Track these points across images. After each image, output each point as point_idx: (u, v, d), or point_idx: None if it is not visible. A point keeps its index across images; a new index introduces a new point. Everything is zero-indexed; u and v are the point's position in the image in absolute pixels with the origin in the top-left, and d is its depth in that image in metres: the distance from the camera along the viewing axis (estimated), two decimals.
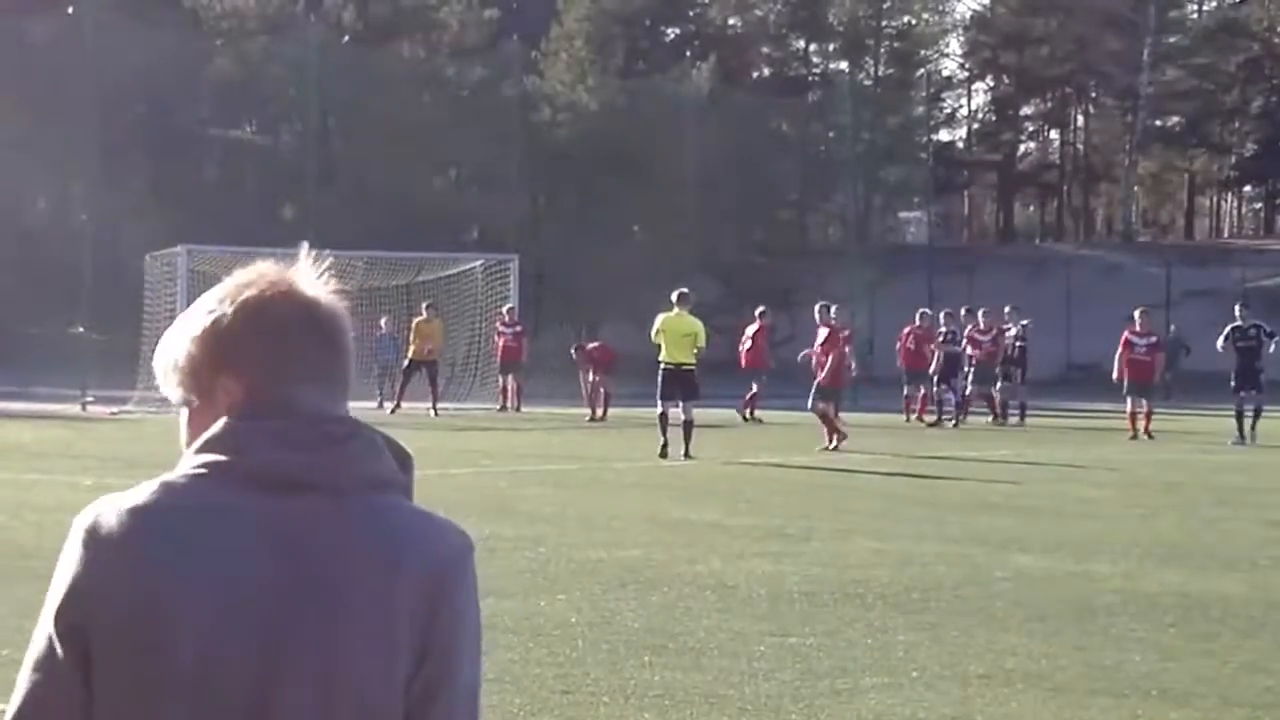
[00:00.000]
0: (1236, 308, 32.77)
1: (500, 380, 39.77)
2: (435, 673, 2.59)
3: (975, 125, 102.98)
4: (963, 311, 39.32)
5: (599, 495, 19.59)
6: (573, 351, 39.06)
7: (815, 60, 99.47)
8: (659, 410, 25.08)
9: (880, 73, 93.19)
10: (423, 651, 2.57)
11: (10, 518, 15.80)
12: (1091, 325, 60.31)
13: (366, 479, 2.67)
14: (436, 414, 36.87)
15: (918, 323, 37.80)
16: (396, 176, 64.16)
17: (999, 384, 37.26)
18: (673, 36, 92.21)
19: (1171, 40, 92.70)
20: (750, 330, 38.38)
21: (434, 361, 38.24)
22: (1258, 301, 65.97)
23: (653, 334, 25.82)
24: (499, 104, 63.48)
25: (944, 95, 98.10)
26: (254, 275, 2.84)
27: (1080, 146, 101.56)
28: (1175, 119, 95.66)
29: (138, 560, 2.64)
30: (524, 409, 38.49)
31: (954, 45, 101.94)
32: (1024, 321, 38.57)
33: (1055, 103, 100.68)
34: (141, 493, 2.73)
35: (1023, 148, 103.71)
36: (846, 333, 36.38)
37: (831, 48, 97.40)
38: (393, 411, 37.04)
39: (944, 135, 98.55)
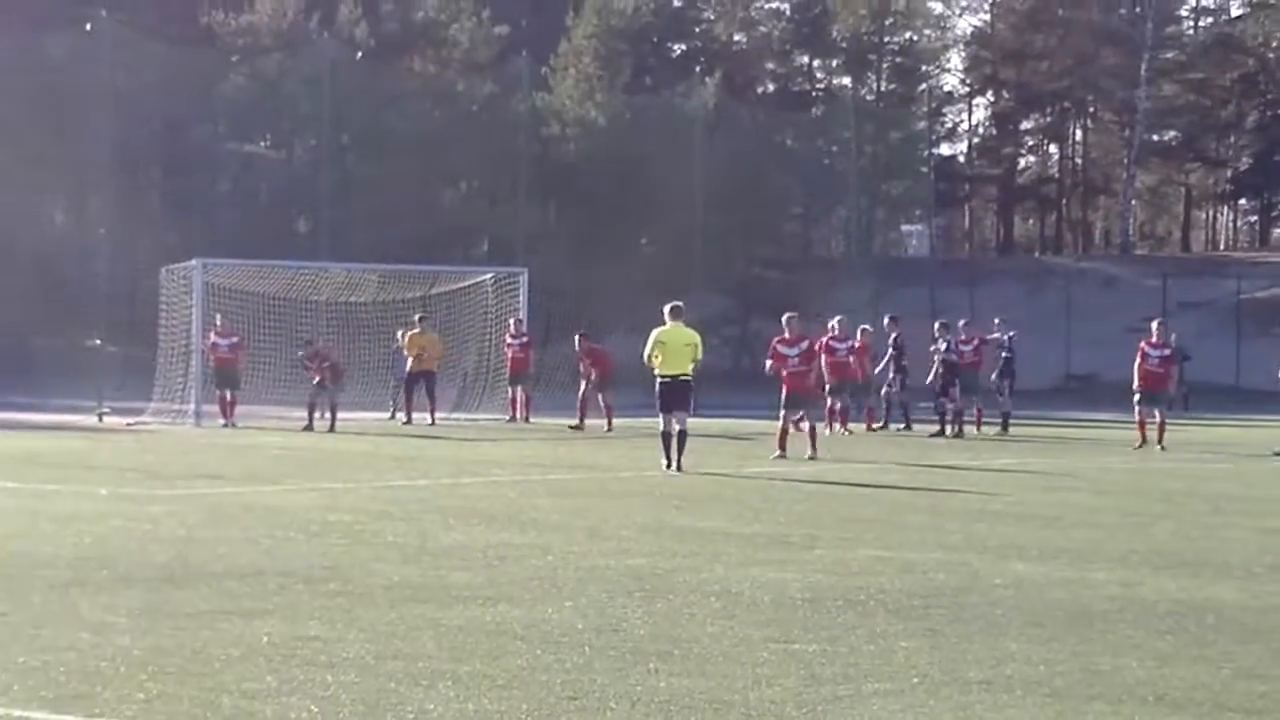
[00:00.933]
0: None
1: (509, 392, 40.08)
2: None
3: (976, 140, 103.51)
4: (961, 324, 39.09)
5: (606, 504, 19.61)
6: (576, 340, 38.88)
7: (819, 76, 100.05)
8: (663, 427, 24.83)
9: (883, 88, 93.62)
10: None
11: (28, 527, 16.00)
12: (1090, 336, 61.31)
13: None
14: (434, 423, 37.39)
15: (835, 331, 37.13)
16: (408, 190, 64.44)
17: (979, 394, 37.50)
18: (679, 53, 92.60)
19: (1168, 56, 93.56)
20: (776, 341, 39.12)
21: (432, 372, 38.60)
22: (1252, 313, 67.49)
23: (649, 350, 25.27)
24: (509, 119, 63.90)
25: (945, 110, 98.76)
26: None
27: (1079, 160, 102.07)
28: (1172, 133, 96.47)
29: None
30: (533, 420, 38.58)
31: (955, 61, 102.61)
32: (1010, 332, 38.85)
33: (1054, 117, 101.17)
34: None
35: (1022, 162, 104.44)
36: (855, 343, 37.59)
37: (835, 63, 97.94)
38: (405, 423, 37.56)
39: (945, 149, 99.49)
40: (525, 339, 40.04)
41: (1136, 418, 32.65)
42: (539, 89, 66.75)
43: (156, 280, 41.20)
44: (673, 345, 25.18)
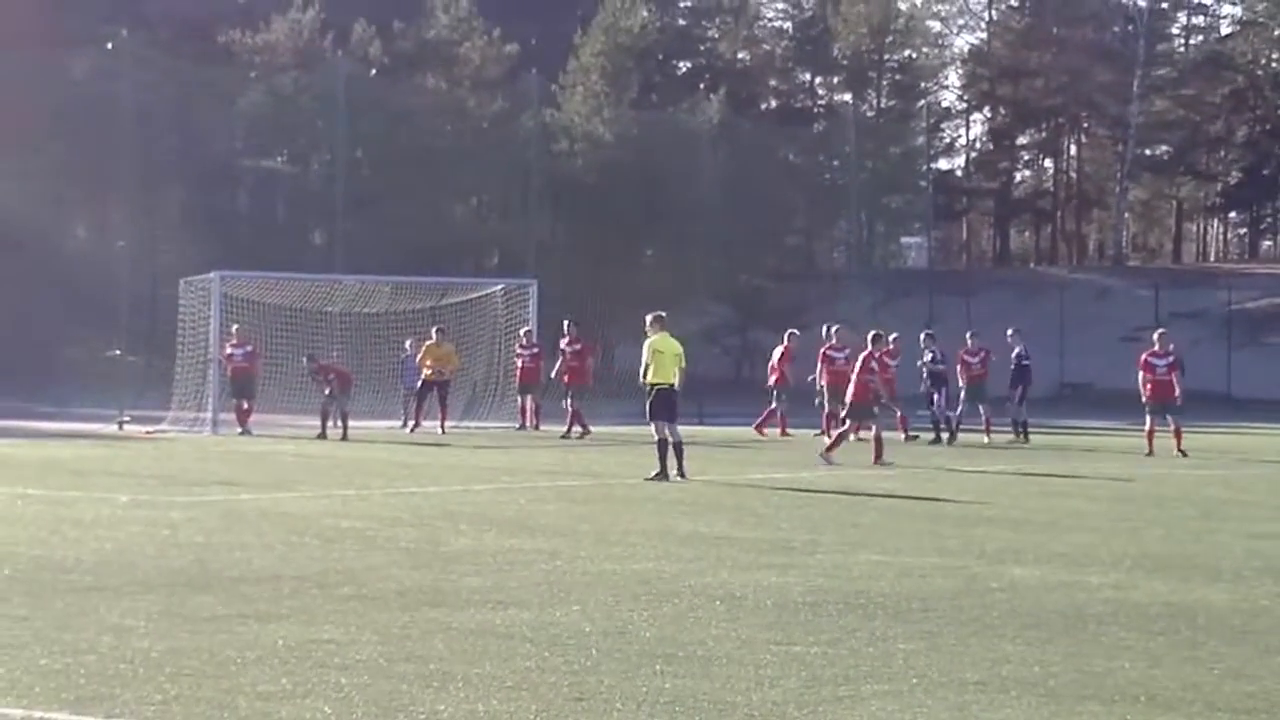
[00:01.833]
0: None
1: (519, 400, 40.21)
2: None
3: (973, 154, 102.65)
4: (969, 335, 39.30)
5: (612, 510, 19.57)
6: (563, 347, 38.78)
7: (820, 92, 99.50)
8: (657, 436, 24.58)
9: (882, 104, 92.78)
10: None
11: (50, 533, 15.92)
12: (1083, 346, 61.45)
13: None
14: (444, 432, 37.43)
15: (786, 343, 38.66)
16: (421, 204, 64.63)
17: (987, 403, 37.49)
18: (684, 70, 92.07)
19: (1160, 73, 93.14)
20: (776, 352, 39.23)
21: (446, 382, 38.66)
22: (1242, 323, 67.80)
23: (648, 358, 25.01)
24: (518, 135, 63.81)
25: (943, 126, 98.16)
26: None
27: (1073, 174, 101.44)
28: (1164, 148, 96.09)
29: None
30: (542, 428, 38.47)
31: (953, 78, 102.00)
32: (1017, 347, 38.53)
33: (1049, 133, 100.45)
34: None
35: (1018, 176, 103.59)
36: (848, 351, 38.15)
37: (836, 80, 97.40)
38: (411, 430, 37.82)
39: (943, 164, 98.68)
40: (536, 349, 39.94)
41: (1147, 428, 32.61)
42: (548, 105, 66.34)
43: (176, 292, 41.16)
44: (666, 355, 25.03)
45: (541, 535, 16.53)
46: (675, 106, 73.03)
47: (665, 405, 24.83)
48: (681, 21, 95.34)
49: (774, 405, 38.36)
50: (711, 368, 39.89)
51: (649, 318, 25.75)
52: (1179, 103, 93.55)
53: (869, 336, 30.75)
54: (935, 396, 36.69)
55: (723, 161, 64.63)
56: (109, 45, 50.74)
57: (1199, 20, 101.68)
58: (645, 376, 25.02)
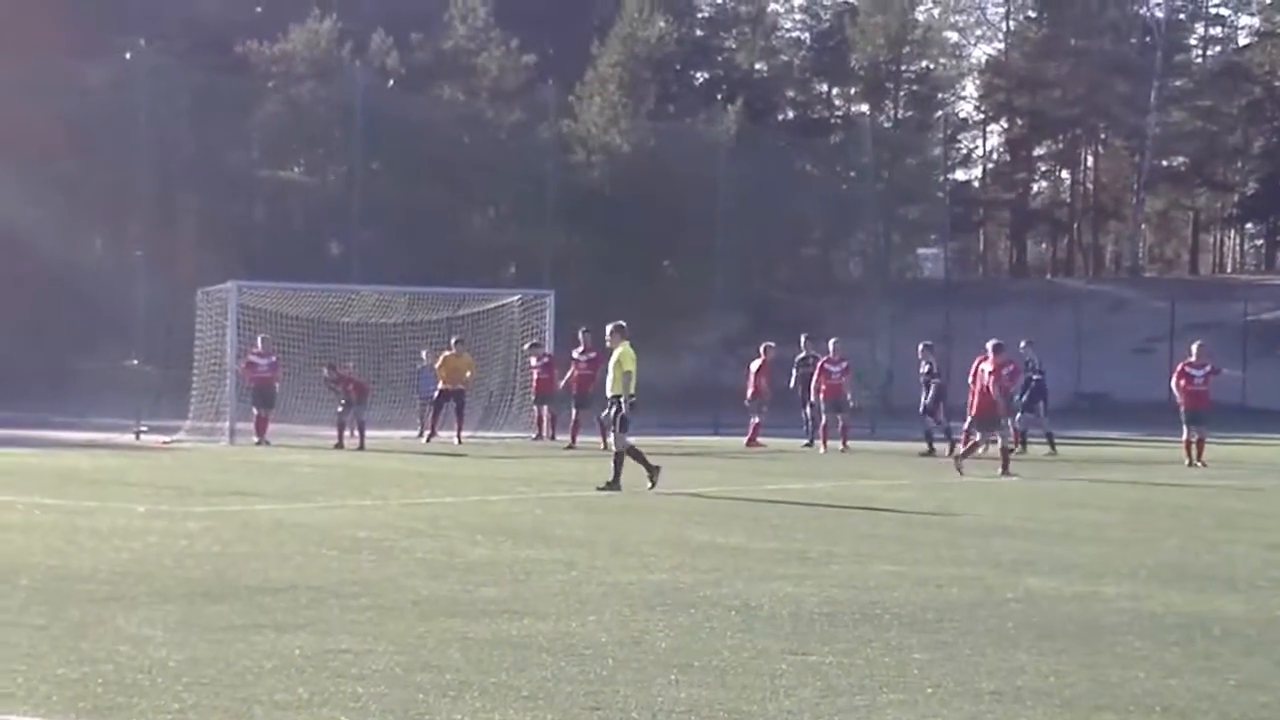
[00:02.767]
0: None
1: (535, 411, 40.48)
2: None
3: (990, 165, 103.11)
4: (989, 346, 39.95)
5: (629, 521, 19.52)
6: (575, 356, 38.59)
7: (838, 103, 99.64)
8: (629, 446, 24.56)
9: (900, 115, 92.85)
10: None
11: (67, 543, 15.90)
12: (1100, 357, 61.56)
13: None
14: (461, 442, 37.51)
15: (763, 356, 39.00)
16: (438, 215, 64.90)
17: (1018, 416, 37.11)
18: (701, 80, 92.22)
19: (1177, 84, 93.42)
20: (754, 364, 39.33)
21: (462, 392, 38.75)
22: (1258, 334, 67.71)
23: (631, 366, 24.71)
24: (535, 145, 63.84)
25: (960, 137, 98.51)
26: None
27: (1090, 185, 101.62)
28: (1180, 159, 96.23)
29: None
30: (559, 438, 38.51)
31: (970, 89, 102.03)
32: (1029, 357, 38.68)
33: (1066, 144, 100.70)
34: None
35: (1035, 187, 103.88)
36: (845, 364, 38.42)
37: (853, 91, 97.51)
38: (427, 440, 37.93)
39: (960, 175, 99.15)
40: (547, 360, 40.03)
41: (1184, 438, 32.76)
42: (565, 116, 66.57)
43: (193, 302, 41.18)
44: (636, 365, 24.85)
45: (558, 546, 16.53)
46: (692, 117, 73.38)
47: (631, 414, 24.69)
48: (699, 32, 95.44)
49: (755, 418, 38.46)
50: (727, 379, 39.88)
51: (610, 327, 25.62)
52: (1196, 114, 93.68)
53: (990, 346, 31.05)
54: (934, 412, 36.76)
55: (740, 172, 64.54)
56: (126, 56, 50.72)
57: (1216, 31, 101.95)
58: (629, 387, 24.70)
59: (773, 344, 39.82)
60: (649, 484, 24.10)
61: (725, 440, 38.13)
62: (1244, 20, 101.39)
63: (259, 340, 38.47)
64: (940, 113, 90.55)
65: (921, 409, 36.71)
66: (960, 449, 30.78)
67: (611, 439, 22.99)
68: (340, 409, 36.40)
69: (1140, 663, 10.45)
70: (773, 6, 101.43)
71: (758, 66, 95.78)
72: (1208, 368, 33.59)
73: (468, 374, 39.12)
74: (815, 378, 37.67)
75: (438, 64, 72.60)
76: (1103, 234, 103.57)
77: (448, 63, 72.78)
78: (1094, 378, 61.14)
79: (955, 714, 8.96)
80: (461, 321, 43.49)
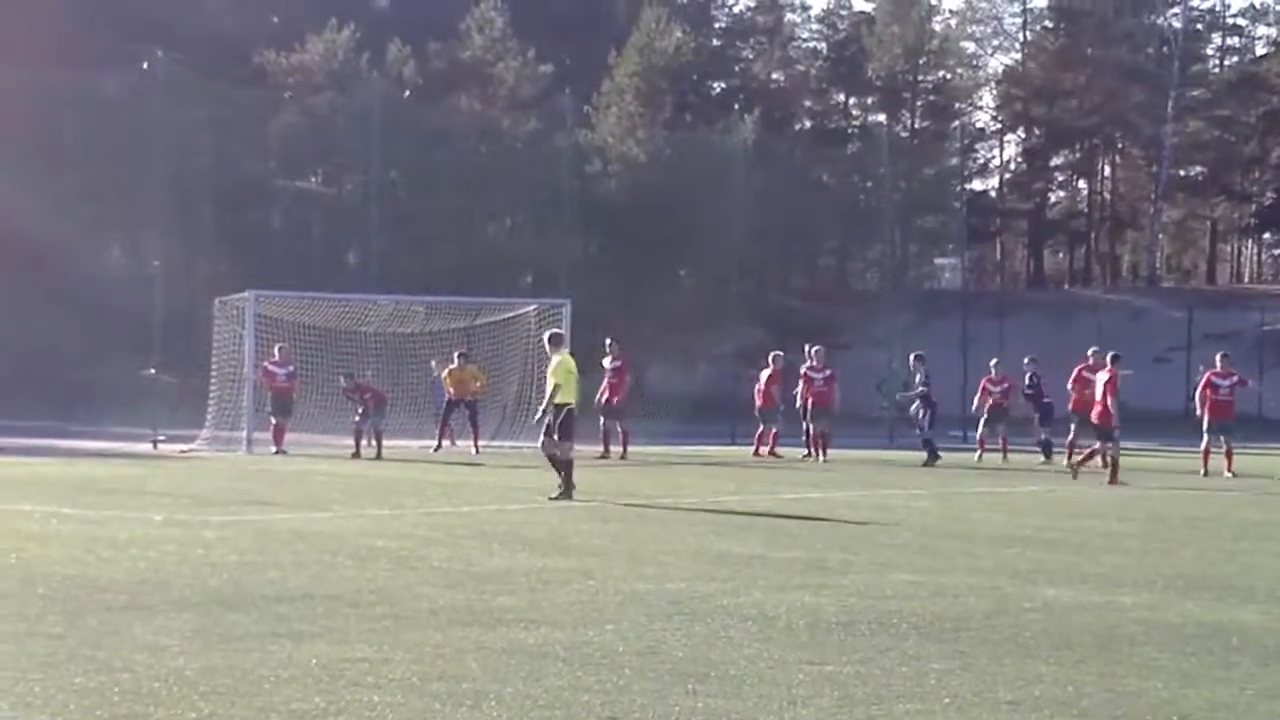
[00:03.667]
0: None
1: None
2: None
3: (1007, 175, 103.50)
4: (993, 363, 40.18)
5: (646, 530, 19.46)
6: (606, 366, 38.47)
7: (855, 113, 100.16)
8: (570, 455, 24.51)
9: (917, 125, 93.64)
10: None
11: (84, 552, 15.85)
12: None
13: None
14: (478, 451, 37.46)
15: (773, 365, 38.97)
16: (455, 224, 64.99)
17: (1004, 423, 38.70)
18: (718, 91, 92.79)
19: (1194, 94, 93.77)
20: (763, 375, 39.24)
21: (474, 401, 38.75)
22: (1275, 344, 67.55)
23: (561, 379, 24.48)
24: (552, 155, 63.80)
25: (977, 146, 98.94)
26: None
27: (1107, 195, 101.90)
28: (1198, 169, 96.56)
29: None
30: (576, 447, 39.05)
31: (987, 99, 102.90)
32: (1030, 371, 39.36)
33: (1083, 153, 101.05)
34: None
35: (1052, 196, 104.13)
36: (828, 372, 38.33)
37: (870, 101, 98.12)
38: (435, 450, 37.76)
39: (977, 185, 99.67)
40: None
41: (1203, 446, 32.97)
42: (582, 126, 66.75)
43: (210, 311, 41.14)
44: (573, 375, 24.70)
45: (575, 555, 16.50)
46: (709, 127, 73.60)
47: (573, 423, 24.65)
48: (716, 42, 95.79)
49: (772, 428, 38.43)
50: (744, 389, 39.87)
51: (547, 335, 25.73)
52: (1213, 124, 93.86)
53: (1109, 357, 31.36)
54: (921, 418, 37.03)
55: (756, 182, 64.72)
56: (143, 66, 50.84)
57: (1233, 41, 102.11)
58: (558, 396, 24.46)
59: (782, 353, 39.78)
60: (554, 493, 23.99)
61: (742, 450, 38.11)
62: (1261, 30, 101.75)
63: (276, 349, 38.48)
64: (957, 122, 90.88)
65: (921, 428, 36.92)
66: (1077, 456, 31.77)
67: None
68: (357, 418, 36.43)
69: (1158, 673, 10.41)
70: (790, 17, 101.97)
71: (775, 76, 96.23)
72: (1234, 378, 33.72)
73: (475, 385, 39.06)
74: (800, 386, 37.75)
75: (455, 74, 72.62)
76: (1120, 244, 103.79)
77: (465, 73, 72.82)
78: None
79: None
80: (479, 331, 43.55)
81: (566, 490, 24.05)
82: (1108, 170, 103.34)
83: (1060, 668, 10.50)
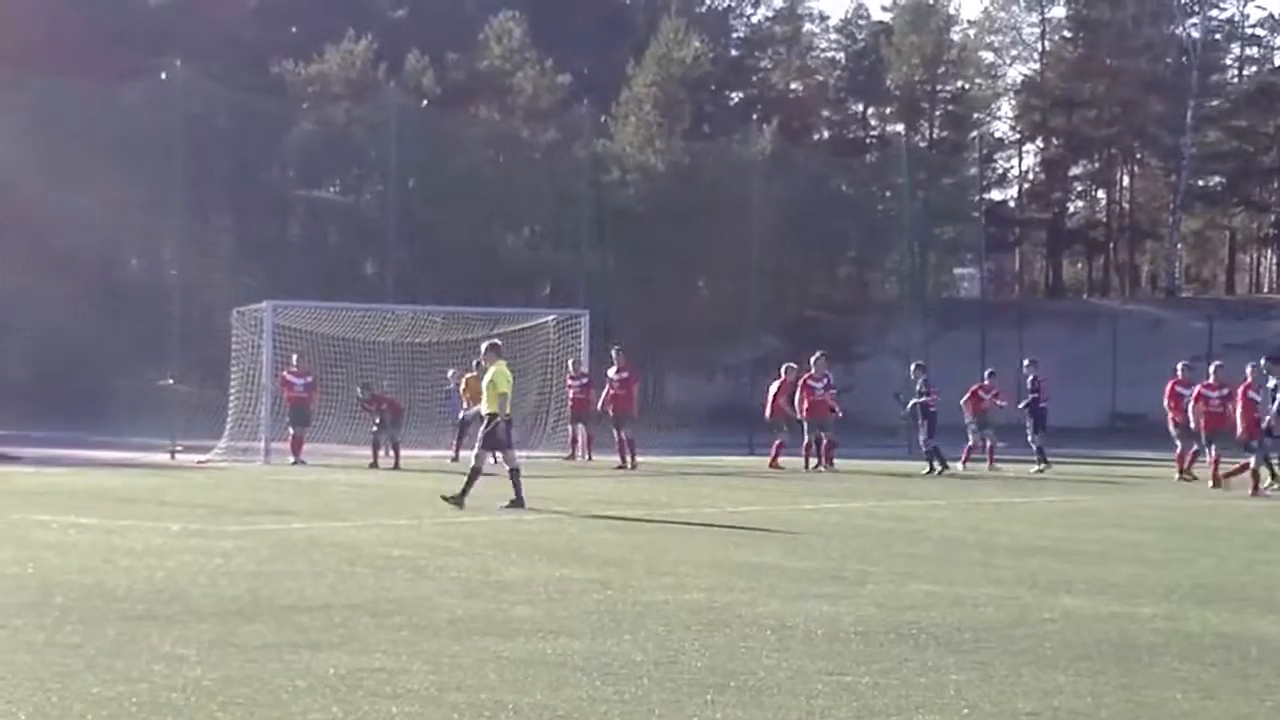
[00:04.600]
0: None
1: (571, 430, 40.30)
2: None
3: (1026, 185, 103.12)
4: (987, 373, 40.67)
5: (664, 540, 19.39)
6: (610, 375, 38.71)
7: (873, 123, 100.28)
8: (510, 464, 24.76)
9: (935, 135, 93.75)
10: None
11: (102, 561, 15.88)
12: (1136, 377, 61.19)
13: None
14: (496, 461, 37.98)
15: (783, 376, 38.89)
16: (473, 234, 65.03)
17: (992, 429, 38.95)
18: (737, 100, 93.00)
19: (1213, 104, 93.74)
20: (773, 386, 39.19)
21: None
22: None
23: (506, 388, 24.67)
24: (570, 165, 63.78)
25: (996, 156, 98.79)
26: None
27: (1126, 205, 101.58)
28: (1216, 179, 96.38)
29: None
30: (594, 458, 38.61)
31: (1006, 109, 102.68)
32: (1030, 376, 39.60)
33: (1102, 163, 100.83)
34: None
35: (1071, 206, 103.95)
36: (826, 381, 38.17)
37: (889, 111, 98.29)
38: (454, 460, 37.48)
39: (996, 195, 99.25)
40: (585, 379, 39.96)
41: (1210, 457, 33.05)
42: (600, 136, 66.90)
43: (228, 321, 41.16)
44: (509, 386, 24.89)
45: (593, 565, 16.45)
46: (727, 137, 73.17)
47: (508, 434, 24.84)
48: (734, 52, 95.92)
49: (778, 439, 38.30)
50: (763, 398, 39.80)
51: (485, 345, 25.82)
52: (1232, 134, 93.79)
53: (1249, 368, 31.78)
54: (920, 428, 37.39)
55: (775, 192, 64.67)
56: (162, 76, 50.97)
57: (1252, 51, 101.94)
58: (502, 408, 24.56)
59: (794, 365, 39.69)
60: (453, 497, 23.97)
61: (761, 460, 38.05)
62: None
63: (294, 359, 38.50)
64: (976, 132, 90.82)
65: (924, 438, 37.13)
66: (1222, 469, 31.97)
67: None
68: (375, 429, 36.44)
69: (1177, 684, 10.35)
70: (808, 27, 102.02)
71: (793, 86, 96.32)
72: (1225, 390, 33.63)
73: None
74: (798, 395, 37.72)
75: (473, 84, 73.03)
76: (1139, 254, 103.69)
77: (483, 82, 73.23)
78: (1130, 398, 60.94)
79: None
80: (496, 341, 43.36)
81: (517, 498, 24.06)
82: (1126, 180, 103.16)
83: (1080, 678, 10.44)
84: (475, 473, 24.25)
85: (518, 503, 23.83)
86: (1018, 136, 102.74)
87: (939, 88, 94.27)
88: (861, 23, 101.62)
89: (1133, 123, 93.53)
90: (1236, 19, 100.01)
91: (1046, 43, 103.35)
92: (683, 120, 74.04)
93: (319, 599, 13.50)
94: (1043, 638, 12.10)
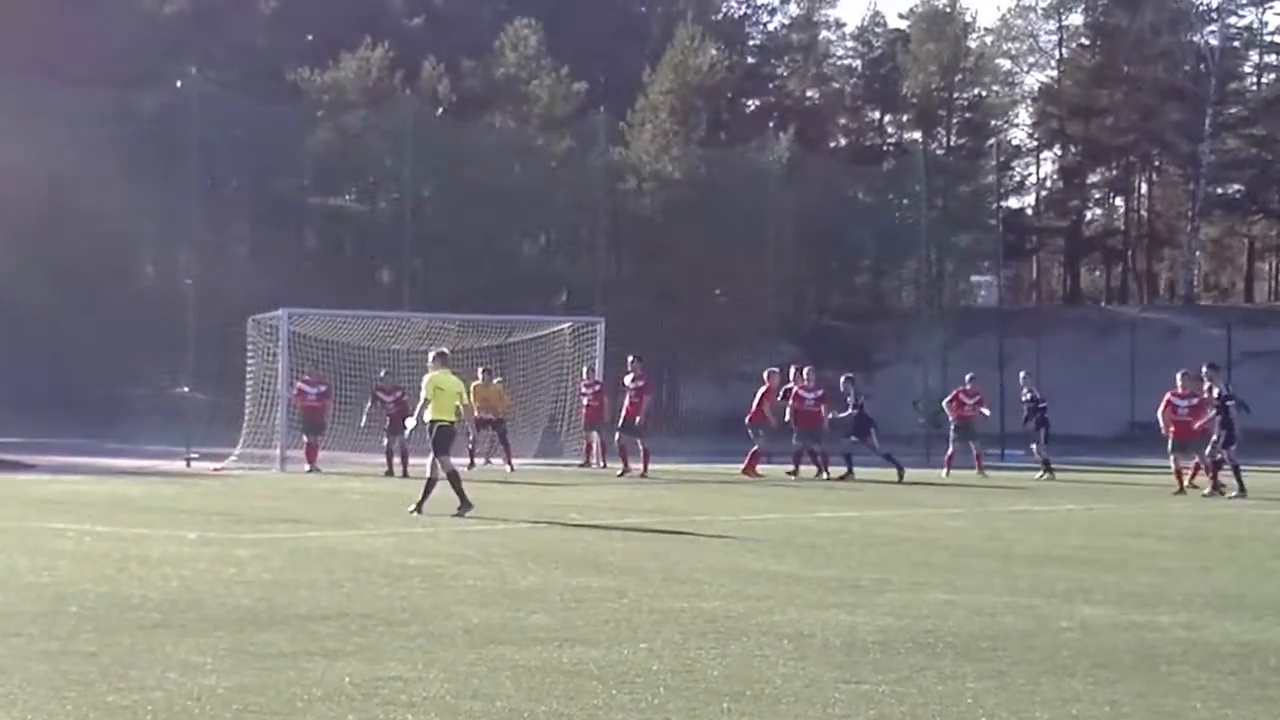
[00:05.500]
0: None
1: (586, 438, 40.38)
2: None
3: (1043, 193, 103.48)
4: (968, 378, 40.94)
5: (681, 548, 19.39)
6: (627, 384, 38.70)
7: (890, 131, 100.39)
8: (430, 473, 24.70)
9: (952, 142, 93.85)
10: None
11: (118, 570, 15.89)
12: (1154, 385, 61.08)
13: None
14: (513, 469, 37.45)
15: (768, 382, 38.82)
16: (488, 242, 65.15)
17: (976, 439, 39.57)
18: (753, 108, 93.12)
19: (1232, 111, 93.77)
20: (760, 391, 38.90)
21: (501, 420, 38.87)
22: None
23: (428, 394, 24.83)
24: (586, 173, 64.09)
25: (1013, 164, 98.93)
26: None
27: (1144, 213, 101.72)
28: (1235, 186, 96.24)
29: None
30: (609, 465, 38.56)
31: (1023, 116, 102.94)
32: (1025, 387, 40.01)
33: (1120, 171, 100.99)
34: None
35: (1089, 214, 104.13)
36: (820, 391, 38.20)
37: (905, 119, 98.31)
38: (470, 467, 37.31)
39: (1013, 202, 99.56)
40: (598, 386, 39.99)
41: (1173, 466, 33.41)
42: (616, 144, 66.96)
43: (243, 329, 41.28)
44: (448, 393, 25.01)
45: (609, 573, 16.41)
46: (744, 145, 73.90)
47: (446, 441, 24.94)
48: (750, 60, 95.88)
49: (755, 445, 38.11)
50: (780, 407, 39.74)
51: (431, 354, 25.99)
52: (1251, 141, 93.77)
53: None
54: (864, 437, 37.61)
55: (791, 200, 64.76)
56: (178, 84, 50.89)
57: (1271, 59, 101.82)
58: (424, 414, 24.87)
59: (776, 370, 39.61)
60: (411, 507, 24.20)
61: (777, 467, 37.97)
62: None
63: (309, 368, 38.51)
64: (993, 140, 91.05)
65: (848, 435, 37.46)
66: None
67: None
68: (385, 440, 36.43)
69: (1196, 692, 10.32)
70: (824, 34, 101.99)
71: (809, 94, 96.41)
72: (1195, 399, 33.84)
73: (503, 404, 39.23)
74: (790, 403, 37.74)
75: (488, 92, 73.29)
76: (1157, 261, 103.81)
77: (498, 90, 73.43)
78: (1148, 406, 60.63)
79: None
80: (512, 349, 43.75)
81: (422, 503, 24.27)
82: (1144, 188, 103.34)
83: (1098, 687, 10.42)
84: (451, 478, 24.46)
85: (421, 505, 24.09)
86: (1035, 144, 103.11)
87: (956, 95, 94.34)
88: (878, 30, 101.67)
89: (1151, 130, 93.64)
90: (1255, 26, 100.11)
91: (1064, 50, 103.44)
92: (699, 128, 74.17)
93: (334, 607, 13.48)
94: (1061, 646, 12.04)
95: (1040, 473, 38.11)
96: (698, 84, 74.49)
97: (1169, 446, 33.58)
